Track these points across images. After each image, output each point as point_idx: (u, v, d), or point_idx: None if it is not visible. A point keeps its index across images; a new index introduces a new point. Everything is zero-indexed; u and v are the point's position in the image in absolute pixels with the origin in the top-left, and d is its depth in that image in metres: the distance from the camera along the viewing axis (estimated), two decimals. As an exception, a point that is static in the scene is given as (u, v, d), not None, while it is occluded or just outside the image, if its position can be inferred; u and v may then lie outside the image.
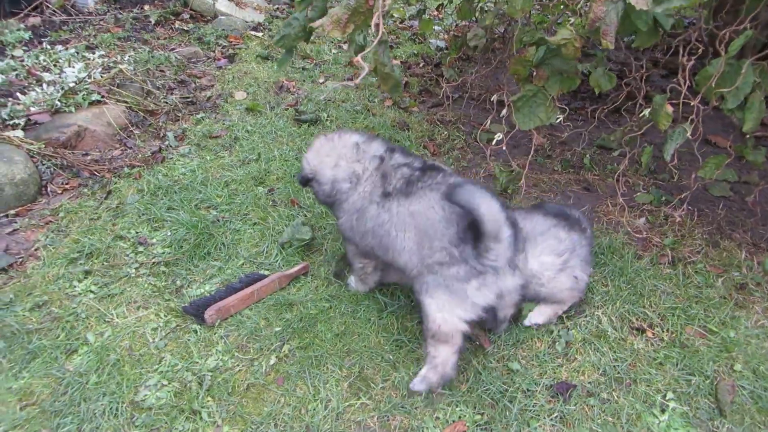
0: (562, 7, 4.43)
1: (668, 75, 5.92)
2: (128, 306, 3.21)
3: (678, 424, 2.71)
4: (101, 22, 7.68)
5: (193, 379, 2.81)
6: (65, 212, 4.00)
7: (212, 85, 6.22)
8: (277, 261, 3.56)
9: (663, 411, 2.77)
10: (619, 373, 2.92)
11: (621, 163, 3.82)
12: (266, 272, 3.43)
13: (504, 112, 3.54)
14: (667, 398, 2.82)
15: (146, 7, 8.23)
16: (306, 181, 3.12)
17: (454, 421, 2.70)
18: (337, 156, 3.01)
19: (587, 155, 4.72)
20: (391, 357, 2.96)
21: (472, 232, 2.54)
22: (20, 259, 3.60)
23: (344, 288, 3.37)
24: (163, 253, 3.61)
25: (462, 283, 2.59)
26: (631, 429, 2.69)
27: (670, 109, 3.04)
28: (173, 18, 8.10)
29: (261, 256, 3.60)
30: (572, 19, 3.14)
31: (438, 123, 5.35)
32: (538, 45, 3.19)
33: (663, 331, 3.15)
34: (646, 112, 3.31)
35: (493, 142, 3.63)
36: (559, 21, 4.78)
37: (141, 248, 3.63)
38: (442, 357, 2.73)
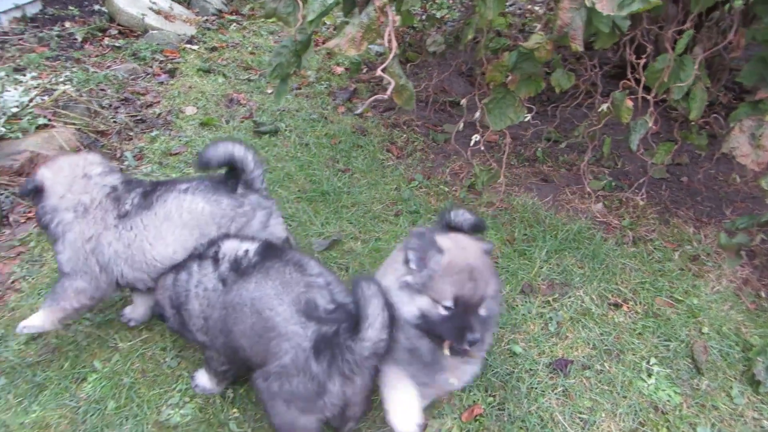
0: (527, 16, 4.73)
1: (615, 73, 6.38)
2: (130, 329, 3.17)
3: (664, 385, 3.03)
4: (20, 42, 7.31)
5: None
6: (36, 241, 3.86)
7: (158, 102, 6.11)
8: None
9: (650, 375, 3.08)
10: (606, 345, 3.21)
11: (585, 154, 4.15)
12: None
13: (477, 114, 3.76)
14: (651, 363, 3.13)
15: (67, 24, 7.90)
16: None
17: (469, 406, 2.88)
18: None
19: (539, 148, 5.05)
20: (402, 352, 3.10)
21: None
22: (-2, 294, 3.46)
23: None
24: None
25: None
26: (626, 394, 2.98)
27: (630, 103, 3.37)
28: (101, 35, 7.81)
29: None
30: (537, 26, 3.40)
31: (394, 127, 5.53)
32: (509, 51, 3.44)
33: (636, 304, 3.48)
34: (604, 107, 3.63)
35: (471, 143, 3.85)
36: (525, 29, 5.08)
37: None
38: None
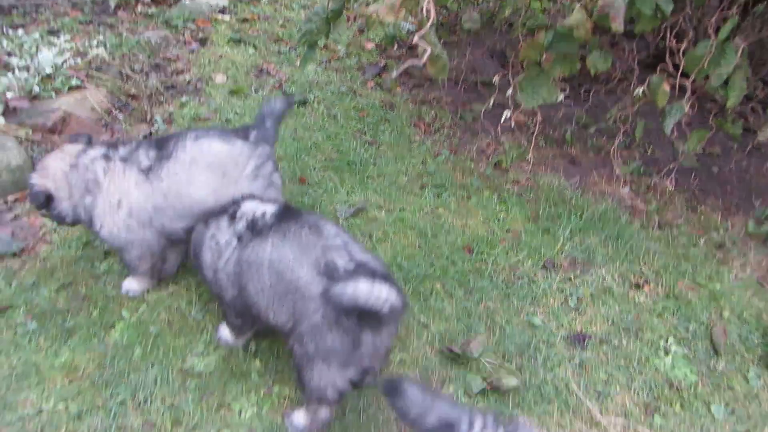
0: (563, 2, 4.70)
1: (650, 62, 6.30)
2: (158, 284, 3.24)
3: (681, 364, 3.04)
4: (54, 6, 7.41)
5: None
6: (68, 195, 3.94)
7: (189, 69, 6.17)
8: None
9: (667, 354, 3.09)
10: (625, 323, 3.22)
11: (616, 137, 4.12)
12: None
13: (509, 91, 3.76)
14: (669, 343, 3.14)
15: (101, -10, 7.98)
16: None
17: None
18: None
19: (568, 131, 5.02)
20: (422, 318, 3.15)
21: None
22: (30, 244, 3.56)
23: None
24: (179, 231, 3.65)
25: None
26: (642, 370, 2.99)
27: (667, 87, 3.35)
28: (134, 2, 7.90)
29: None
30: (576, 4, 3.37)
31: (422, 103, 5.53)
32: (546, 30, 3.42)
33: (658, 286, 3.48)
34: (640, 90, 3.60)
35: (502, 119, 3.85)
36: (561, 12, 5.03)
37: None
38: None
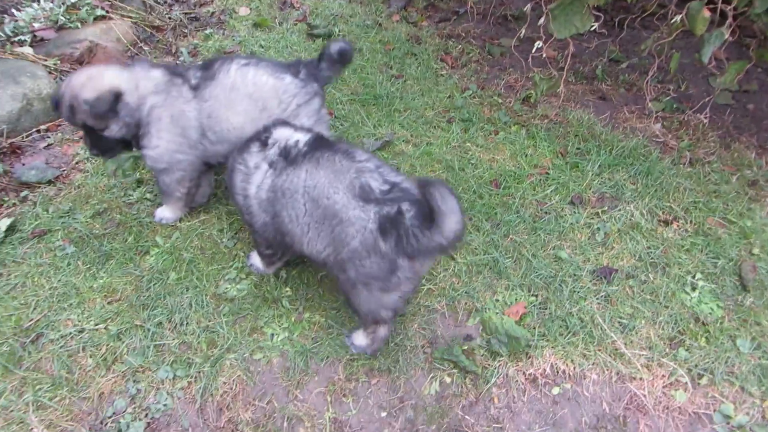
0: None
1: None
2: (189, 211, 3.30)
3: (708, 299, 3.04)
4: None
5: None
6: (98, 126, 3.98)
7: (212, 1, 6.06)
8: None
9: (694, 289, 3.09)
10: (653, 258, 3.22)
11: (650, 69, 4.00)
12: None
13: (541, 20, 3.64)
14: (696, 278, 3.14)
15: None
16: None
17: (512, 303, 2.96)
18: None
19: (598, 66, 4.89)
20: (449, 249, 3.17)
21: None
22: (64, 172, 3.62)
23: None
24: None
25: None
26: (668, 304, 3.01)
27: (707, 13, 3.21)
28: (154, -69, 7.70)
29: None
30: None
31: (449, 38, 5.40)
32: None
33: (687, 223, 3.44)
34: (677, 18, 3.46)
35: (533, 50, 3.75)
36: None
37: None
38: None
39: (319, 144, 2.56)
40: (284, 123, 2.75)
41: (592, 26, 3.62)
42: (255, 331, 2.78)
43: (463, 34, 5.43)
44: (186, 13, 5.68)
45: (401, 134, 4.00)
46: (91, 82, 2.83)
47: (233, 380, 2.61)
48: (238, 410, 2.53)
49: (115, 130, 2.91)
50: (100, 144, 2.97)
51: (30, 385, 2.56)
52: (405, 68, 4.78)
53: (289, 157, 2.53)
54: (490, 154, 3.86)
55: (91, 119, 2.83)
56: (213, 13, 5.76)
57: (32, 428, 2.43)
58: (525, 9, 3.92)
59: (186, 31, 5.42)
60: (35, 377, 2.59)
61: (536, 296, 3.00)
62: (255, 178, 2.61)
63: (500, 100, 4.42)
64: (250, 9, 5.85)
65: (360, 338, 2.69)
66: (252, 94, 2.92)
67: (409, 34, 5.37)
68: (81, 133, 3.81)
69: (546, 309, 2.93)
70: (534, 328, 2.86)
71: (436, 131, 4.06)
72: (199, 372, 2.62)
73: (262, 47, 5.06)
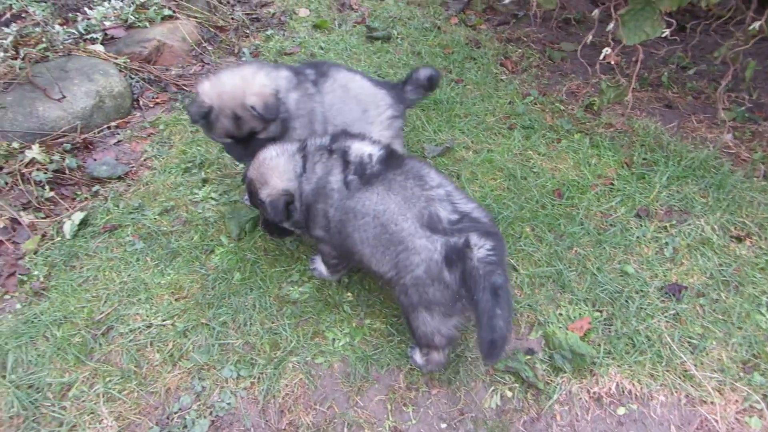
0: None
1: None
2: (251, 212, 3.35)
3: (784, 322, 2.91)
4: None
5: (331, 277, 3.01)
6: (164, 125, 4.09)
7: (272, 2, 6.14)
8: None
9: (769, 310, 2.96)
10: (725, 276, 3.10)
11: (724, 77, 3.85)
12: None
13: (611, 26, 3.55)
14: (771, 299, 3.00)
15: None
16: None
17: (576, 318, 2.89)
18: None
19: (665, 73, 4.74)
20: (511, 261, 3.13)
21: None
22: (133, 168, 3.73)
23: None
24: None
25: None
26: (741, 325, 2.89)
27: (791, 20, 3.08)
28: (216, -68, 7.85)
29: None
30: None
31: (508, 41, 5.33)
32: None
33: (761, 239, 3.31)
34: (756, 24, 3.33)
35: (601, 57, 3.66)
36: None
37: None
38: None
39: (391, 162, 2.54)
40: (352, 135, 2.74)
41: (664, 33, 3.51)
42: (317, 334, 2.80)
43: (523, 38, 5.35)
44: (248, 14, 5.77)
45: (461, 140, 3.96)
46: (251, 88, 2.83)
47: (295, 383, 2.63)
48: (299, 413, 2.55)
49: (273, 131, 2.93)
50: (250, 147, 2.91)
51: (100, 376, 2.65)
52: (465, 72, 4.74)
53: (363, 177, 2.51)
54: (553, 162, 3.79)
55: (259, 123, 2.85)
56: (274, 14, 5.84)
57: (102, 419, 2.51)
58: (593, 14, 3.80)
59: (248, 31, 5.51)
60: (105, 369, 2.67)
61: (601, 312, 2.93)
62: (334, 200, 2.57)
63: (562, 107, 4.34)
64: (310, 10, 5.90)
65: (418, 355, 2.69)
66: (357, 95, 3.09)
67: (468, 37, 5.32)
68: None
69: (611, 325, 2.86)
70: (599, 344, 2.79)
71: (497, 138, 4.00)
72: (262, 373, 2.65)
73: (322, 49, 5.10)
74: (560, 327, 2.84)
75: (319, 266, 2.97)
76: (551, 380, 2.68)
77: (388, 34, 5.33)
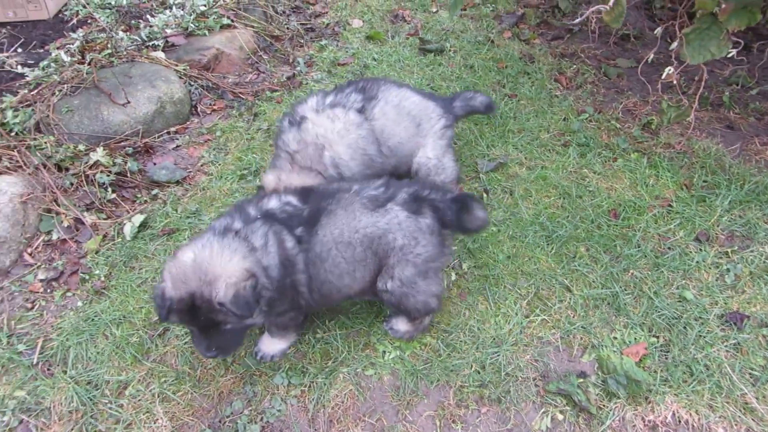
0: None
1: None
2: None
3: None
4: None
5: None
6: (221, 131, 4.18)
7: (326, 12, 6.24)
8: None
9: (839, 345, 2.83)
10: (789, 307, 2.98)
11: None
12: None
13: (674, 45, 3.48)
14: (840, 333, 2.88)
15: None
16: None
17: (631, 343, 2.82)
18: None
19: (726, 93, 4.61)
20: (565, 281, 3.09)
21: None
22: (190, 173, 3.82)
23: (510, 214, 3.48)
24: (324, 173, 3.77)
25: None
26: (807, 360, 2.77)
27: None
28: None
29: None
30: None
31: (562, 57, 5.27)
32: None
33: (830, 271, 3.17)
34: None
35: (663, 76, 3.59)
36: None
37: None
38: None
39: (311, 196, 2.60)
40: (265, 196, 2.65)
41: (730, 53, 3.42)
42: (367, 346, 2.81)
43: (578, 54, 5.29)
44: (302, 24, 5.87)
45: (515, 156, 3.94)
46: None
47: (345, 394, 2.64)
48: (348, 424, 2.56)
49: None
50: None
51: (156, 376, 2.71)
52: (518, 87, 4.71)
53: (305, 223, 2.51)
54: (609, 182, 3.72)
55: None
56: (328, 24, 5.93)
57: (157, 419, 2.57)
58: (655, 32, 3.73)
59: (302, 41, 5.61)
60: (161, 370, 2.74)
61: (658, 337, 2.85)
62: (298, 261, 2.49)
63: (618, 125, 4.26)
64: (363, 21, 5.97)
65: (401, 324, 2.80)
66: (411, 111, 3.20)
67: (522, 51, 5.29)
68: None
69: (668, 352, 2.78)
70: (655, 371, 2.71)
71: (551, 155, 3.96)
72: (313, 382, 2.67)
73: (375, 60, 5.14)
74: (615, 351, 2.78)
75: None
76: (604, 405, 2.62)
77: (441, 46, 5.34)
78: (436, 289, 2.68)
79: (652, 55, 3.89)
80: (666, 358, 2.76)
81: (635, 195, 3.62)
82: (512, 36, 5.68)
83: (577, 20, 2.91)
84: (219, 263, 2.23)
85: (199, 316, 2.21)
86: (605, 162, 3.89)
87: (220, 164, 3.86)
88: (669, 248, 3.27)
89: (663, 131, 4.16)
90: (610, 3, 2.57)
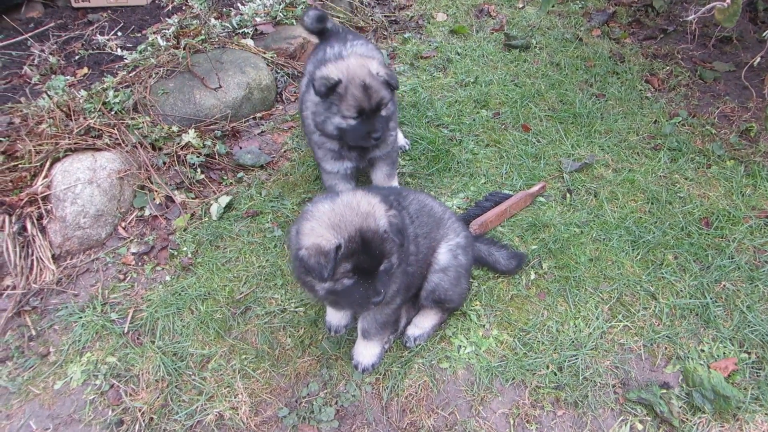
0: None
1: None
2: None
3: None
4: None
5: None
6: (304, 119, 4.26)
7: (410, 5, 6.23)
8: (517, 182, 3.62)
9: None
10: None
11: None
12: (508, 191, 3.51)
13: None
14: None
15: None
16: None
17: (720, 357, 2.70)
18: None
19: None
20: (650, 288, 2.98)
21: None
22: (274, 159, 3.92)
23: (594, 216, 3.39)
24: (404, 165, 3.78)
25: None
26: None
27: None
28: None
29: (500, 176, 3.68)
30: None
31: (654, 57, 5.06)
32: None
33: None
34: None
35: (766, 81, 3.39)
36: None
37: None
38: None
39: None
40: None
41: None
42: (443, 339, 2.81)
43: (672, 55, 5.06)
44: (387, 16, 5.90)
45: (601, 157, 3.82)
46: (372, 63, 3.04)
47: (419, 384, 2.65)
48: (421, 415, 2.57)
49: (391, 108, 3.13)
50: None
51: (237, 353, 2.81)
52: (606, 87, 4.57)
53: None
54: (701, 189, 3.55)
55: (387, 92, 3.03)
56: (412, 17, 5.93)
57: (237, 394, 2.66)
58: (764, 35, 3.53)
59: (386, 33, 5.63)
60: (242, 347, 2.83)
61: (749, 354, 2.71)
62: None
63: (714, 131, 4.06)
64: (447, 15, 5.94)
65: (426, 323, 2.82)
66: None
67: (612, 50, 5.12)
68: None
69: (761, 370, 2.64)
70: (745, 388, 2.58)
71: (640, 158, 3.82)
72: (388, 370, 2.70)
73: (458, 54, 5.11)
74: (701, 364, 2.66)
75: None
76: (687, 419, 2.52)
77: (526, 43, 5.24)
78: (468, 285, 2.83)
79: (758, 59, 3.67)
80: (758, 376, 2.63)
81: (730, 204, 3.44)
82: (602, 34, 5.51)
83: (690, 17, 2.76)
84: (365, 201, 2.24)
85: (373, 250, 2.17)
86: (698, 168, 3.72)
87: (302, 151, 3.94)
88: (766, 262, 3.09)
89: (763, 139, 3.93)
90: (728, 0, 2.43)
